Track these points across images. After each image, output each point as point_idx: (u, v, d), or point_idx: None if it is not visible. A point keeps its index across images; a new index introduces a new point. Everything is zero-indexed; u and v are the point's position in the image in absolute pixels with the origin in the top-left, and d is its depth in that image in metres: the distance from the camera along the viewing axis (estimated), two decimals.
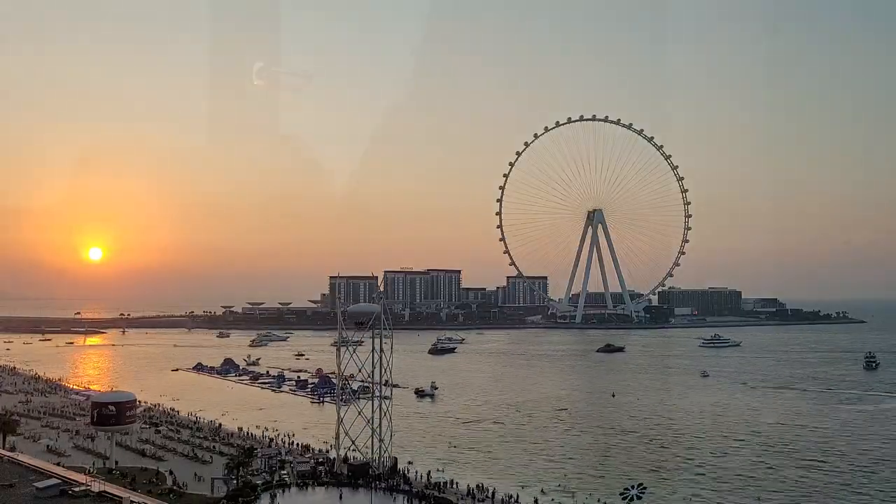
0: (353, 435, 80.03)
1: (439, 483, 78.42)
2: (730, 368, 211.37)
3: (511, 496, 74.60)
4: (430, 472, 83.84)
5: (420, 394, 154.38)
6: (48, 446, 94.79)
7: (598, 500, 76.59)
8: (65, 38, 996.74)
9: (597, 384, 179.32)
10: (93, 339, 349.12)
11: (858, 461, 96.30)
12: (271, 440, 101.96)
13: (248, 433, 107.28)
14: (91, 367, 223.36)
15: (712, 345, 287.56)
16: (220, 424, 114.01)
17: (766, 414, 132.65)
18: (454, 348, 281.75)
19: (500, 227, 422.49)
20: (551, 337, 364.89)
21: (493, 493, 74.90)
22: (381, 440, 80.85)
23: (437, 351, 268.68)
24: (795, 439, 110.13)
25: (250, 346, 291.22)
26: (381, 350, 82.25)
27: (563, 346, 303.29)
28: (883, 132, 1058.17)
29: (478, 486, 77.56)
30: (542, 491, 79.18)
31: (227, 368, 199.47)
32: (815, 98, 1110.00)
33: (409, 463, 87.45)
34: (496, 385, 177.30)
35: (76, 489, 69.08)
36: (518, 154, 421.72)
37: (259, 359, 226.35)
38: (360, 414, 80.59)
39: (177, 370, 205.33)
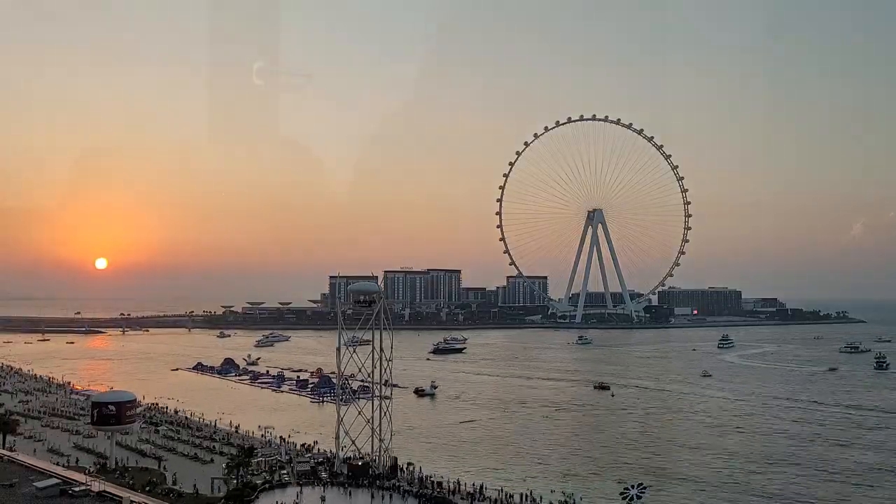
0: (353, 435, 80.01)
1: (439, 482, 78.29)
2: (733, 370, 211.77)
3: (511, 496, 74.48)
4: (430, 471, 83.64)
5: (420, 393, 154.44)
6: (48, 446, 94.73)
7: (598, 500, 76.60)
8: (65, 38, 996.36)
9: (599, 382, 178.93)
10: (93, 339, 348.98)
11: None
12: (271, 440, 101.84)
13: (248, 433, 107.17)
14: (91, 367, 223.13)
15: (725, 345, 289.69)
16: (220, 424, 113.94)
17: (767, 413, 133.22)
18: (462, 349, 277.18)
19: (500, 227, 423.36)
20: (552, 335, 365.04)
21: (493, 493, 74.83)
22: (381, 440, 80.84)
23: (439, 351, 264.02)
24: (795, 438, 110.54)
25: (256, 346, 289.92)
26: (381, 350, 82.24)
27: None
28: (883, 132, 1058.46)
29: (480, 486, 77.44)
30: (549, 490, 79.03)
31: (227, 368, 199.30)
32: (815, 98, 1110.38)
33: (409, 463, 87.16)
34: (497, 384, 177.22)
35: (76, 489, 69.06)
36: (518, 154, 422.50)
37: (259, 358, 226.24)
38: (360, 414, 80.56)
39: (177, 370, 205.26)
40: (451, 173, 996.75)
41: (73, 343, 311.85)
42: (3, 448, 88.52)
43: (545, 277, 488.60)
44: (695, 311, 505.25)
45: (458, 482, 77.66)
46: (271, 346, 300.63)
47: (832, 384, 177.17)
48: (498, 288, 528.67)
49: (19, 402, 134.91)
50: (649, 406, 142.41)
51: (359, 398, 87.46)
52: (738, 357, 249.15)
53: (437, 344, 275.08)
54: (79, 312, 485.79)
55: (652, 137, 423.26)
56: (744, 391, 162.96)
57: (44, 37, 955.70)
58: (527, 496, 74.74)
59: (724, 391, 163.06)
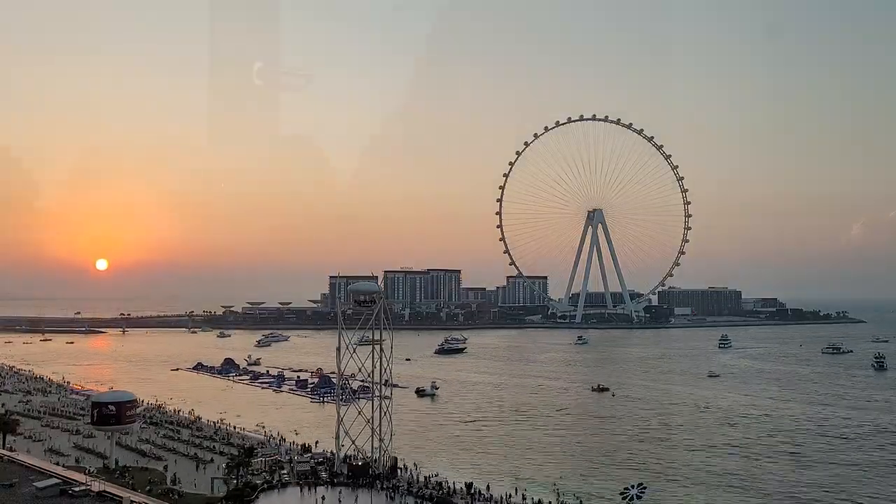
0: (353, 435, 79.98)
1: (439, 482, 78.29)
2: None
3: (510, 496, 74.47)
4: (429, 472, 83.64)
5: (420, 393, 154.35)
6: (48, 446, 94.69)
7: (598, 500, 76.53)
8: (66, 39, 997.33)
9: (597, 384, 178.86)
10: (93, 339, 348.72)
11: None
12: (271, 440, 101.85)
13: (248, 433, 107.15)
14: (91, 367, 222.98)
15: (724, 345, 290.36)
16: (220, 424, 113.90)
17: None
18: (463, 349, 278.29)
19: (500, 227, 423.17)
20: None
21: (493, 493, 74.80)
22: (381, 440, 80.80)
23: (443, 351, 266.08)
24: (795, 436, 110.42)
25: (256, 346, 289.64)
26: (381, 349, 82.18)
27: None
28: (883, 131, 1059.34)
29: (486, 486, 77.41)
30: (549, 491, 79.06)
31: (228, 368, 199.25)
32: (815, 98, 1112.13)
33: (414, 465, 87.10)
34: (497, 385, 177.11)
35: (76, 489, 69.00)
36: (518, 154, 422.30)
37: (260, 359, 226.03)
38: (360, 414, 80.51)
39: (177, 370, 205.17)
40: (451, 173, 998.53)
41: (73, 343, 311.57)
42: (3, 448, 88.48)
43: (545, 277, 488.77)
44: (693, 312, 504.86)
45: (458, 482, 77.69)
46: (269, 345, 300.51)
47: (838, 385, 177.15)
48: (498, 288, 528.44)
49: (19, 402, 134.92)
50: (650, 408, 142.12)
51: (359, 398, 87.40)
52: (737, 357, 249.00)
53: (441, 344, 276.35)
54: (79, 312, 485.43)
55: (652, 137, 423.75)
56: (758, 395, 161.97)
57: (45, 37, 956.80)
58: (527, 496, 74.85)
59: (733, 392, 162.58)
